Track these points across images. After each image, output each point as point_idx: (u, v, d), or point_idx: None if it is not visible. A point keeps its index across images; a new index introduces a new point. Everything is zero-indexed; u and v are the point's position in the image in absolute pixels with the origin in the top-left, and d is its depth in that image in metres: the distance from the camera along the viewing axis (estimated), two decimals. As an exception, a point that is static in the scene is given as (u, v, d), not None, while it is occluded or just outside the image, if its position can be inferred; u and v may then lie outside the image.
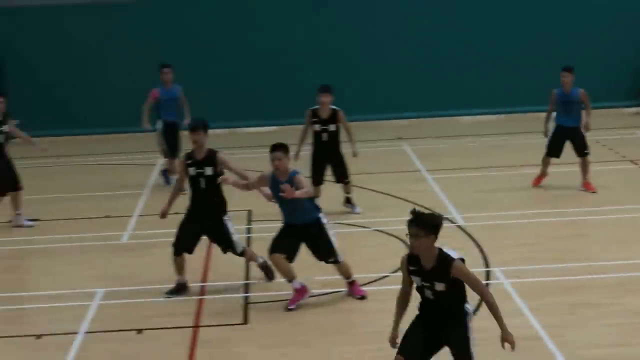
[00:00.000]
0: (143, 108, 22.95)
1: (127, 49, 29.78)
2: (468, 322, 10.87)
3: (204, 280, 16.68)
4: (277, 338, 13.96)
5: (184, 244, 15.56)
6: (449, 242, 17.72)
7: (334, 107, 19.47)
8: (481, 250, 17.52)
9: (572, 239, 18.35)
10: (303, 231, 14.85)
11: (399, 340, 10.86)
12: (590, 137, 21.48)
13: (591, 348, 13.27)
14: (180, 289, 15.75)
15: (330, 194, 20.07)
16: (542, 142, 21.56)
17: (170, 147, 22.85)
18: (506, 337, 10.57)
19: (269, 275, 16.05)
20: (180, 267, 15.67)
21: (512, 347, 10.63)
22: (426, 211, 10.81)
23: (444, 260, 10.59)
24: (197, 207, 15.60)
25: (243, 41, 29.90)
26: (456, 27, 30.23)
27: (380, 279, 16.25)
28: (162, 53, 26.99)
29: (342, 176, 19.62)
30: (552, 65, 25.64)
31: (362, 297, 15.34)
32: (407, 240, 10.55)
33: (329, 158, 19.67)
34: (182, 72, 24.19)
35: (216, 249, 16.57)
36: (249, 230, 19.37)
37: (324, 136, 19.55)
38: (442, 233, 18.36)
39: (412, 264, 10.64)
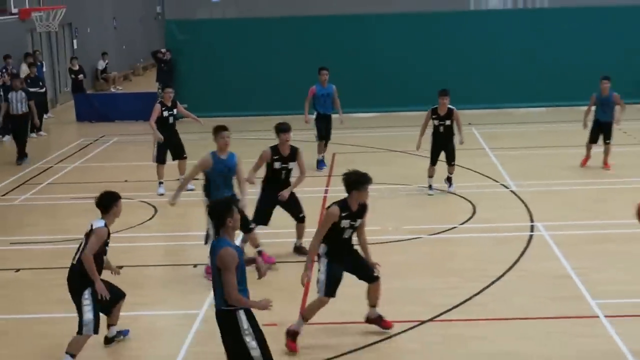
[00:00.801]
0: (304, 102, 21.66)
1: (268, 54, 29.95)
2: None
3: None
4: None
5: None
6: (503, 204, 17.89)
7: (450, 106, 18.53)
8: (528, 209, 17.38)
9: (601, 203, 18.13)
10: None
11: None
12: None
13: (609, 285, 13.18)
14: None
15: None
16: (579, 129, 21.28)
17: (320, 133, 21.79)
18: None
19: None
20: None
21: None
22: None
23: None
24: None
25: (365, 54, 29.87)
26: (516, 40, 29.95)
27: (450, 229, 16.26)
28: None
29: (451, 160, 18.84)
30: (588, 71, 25.40)
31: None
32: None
33: (444, 146, 18.76)
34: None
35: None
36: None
37: (441, 129, 18.61)
38: (498, 195, 18.45)
39: (344, 212, 10.95)
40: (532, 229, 16.11)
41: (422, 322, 11.89)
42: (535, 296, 12.88)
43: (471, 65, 29.69)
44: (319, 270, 11.17)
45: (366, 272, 11.32)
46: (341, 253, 11.22)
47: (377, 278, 11.27)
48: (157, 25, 46.86)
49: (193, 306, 12.90)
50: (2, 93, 25.21)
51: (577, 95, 27.20)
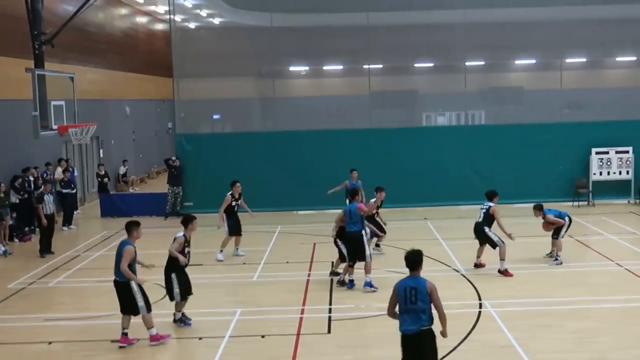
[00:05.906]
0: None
1: (257, 161, 29.82)
2: None
3: (304, 303, 16.32)
4: (351, 342, 13.55)
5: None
6: (455, 285, 17.40)
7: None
8: (476, 289, 17.06)
9: (535, 284, 17.64)
10: None
11: None
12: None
13: (546, 353, 12.84)
14: None
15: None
16: (514, 222, 20.94)
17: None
18: None
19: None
20: None
21: None
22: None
23: None
24: None
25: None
26: (459, 150, 30.02)
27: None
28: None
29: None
30: (517, 175, 25.03)
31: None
32: None
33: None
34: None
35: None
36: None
37: None
38: (451, 278, 17.95)
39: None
40: (480, 305, 15.77)
41: (391, 388, 11.44)
42: (485, 363, 12.48)
43: (424, 170, 29.67)
44: None
45: None
46: None
47: None
48: (169, 137, 46.62)
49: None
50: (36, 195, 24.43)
51: (509, 194, 27.26)
